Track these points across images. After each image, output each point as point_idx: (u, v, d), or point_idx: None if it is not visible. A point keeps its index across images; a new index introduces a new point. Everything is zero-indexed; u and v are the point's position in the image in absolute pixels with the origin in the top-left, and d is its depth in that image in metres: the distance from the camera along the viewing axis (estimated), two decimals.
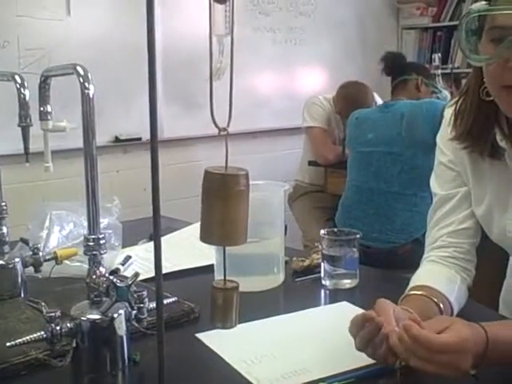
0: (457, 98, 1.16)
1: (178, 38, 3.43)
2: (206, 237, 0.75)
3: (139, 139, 3.44)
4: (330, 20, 4.29)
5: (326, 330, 1.16)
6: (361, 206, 2.71)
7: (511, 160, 1.10)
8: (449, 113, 1.20)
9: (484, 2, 1.00)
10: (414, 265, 1.27)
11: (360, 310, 1.19)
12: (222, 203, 0.72)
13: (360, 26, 4.48)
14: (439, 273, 1.18)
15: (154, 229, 0.78)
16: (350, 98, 3.29)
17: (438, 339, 0.89)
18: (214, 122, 0.72)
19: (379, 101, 3.57)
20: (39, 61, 3.03)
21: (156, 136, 0.79)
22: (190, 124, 3.55)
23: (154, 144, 0.79)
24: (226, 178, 0.72)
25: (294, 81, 4.18)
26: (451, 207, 1.21)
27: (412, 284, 1.15)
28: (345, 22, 4.36)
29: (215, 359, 1.05)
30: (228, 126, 0.74)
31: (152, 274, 1.23)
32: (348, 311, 1.22)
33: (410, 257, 2.38)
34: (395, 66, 2.86)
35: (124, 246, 1.60)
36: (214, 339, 1.10)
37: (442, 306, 1.08)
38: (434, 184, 1.26)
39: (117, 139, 3.37)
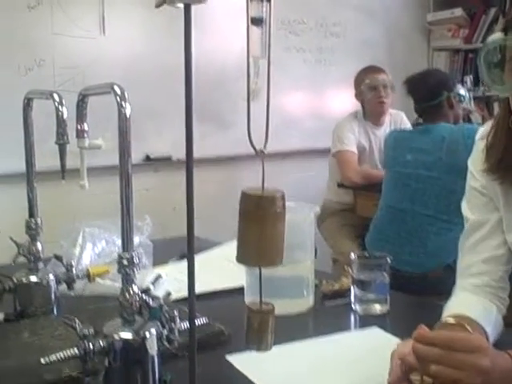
0: (488, 130, 1.16)
1: (209, 58, 3.46)
2: (242, 258, 0.76)
3: (169, 158, 3.48)
4: (359, 41, 4.30)
5: (356, 356, 1.15)
6: (393, 227, 2.68)
7: None
8: (480, 136, 1.19)
9: (500, 34, 1.01)
10: (444, 291, 1.26)
11: (391, 337, 1.19)
12: (258, 225, 0.73)
13: (390, 47, 4.48)
14: (475, 302, 1.16)
15: (188, 251, 0.79)
16: None
17: (457, 335, 0.91)
18: (252, 144, 0.73)
19: (406, 121, 3.57)
20: (73, 79, 3.09)
21: (191, 156, 0.80)
22: (220, 143, 3.57)
23: (189, 164, 0.79)
24: (263, 199, 0.73)
25: (323, 101, 4.19)
26: (484, 234, 1.20)
27: (447, 312, 1.14)
28: (374, 43, 4.37)
29: (245, 382, 1.05)
30: (265, 147, 0.74)
31: (182, 293, 1.25)
32: (379, 337, 1.21)
33: (440, 283, 2.34)
34: (422, 89, 2.79)
35: (154, 265, 1.61)
36: (244, 362, 1.10)
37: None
38: (465, 209, 1.25)
39: (148, 158, 3.40)
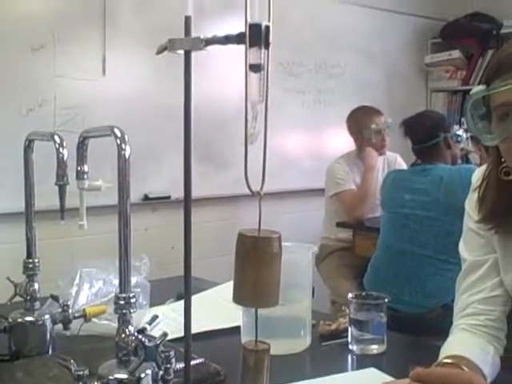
0: (480, 182, 1.18)
1: (209, 100, 3.49)
2: (238, 298, 0.76)
3: (168, 197, 3.49)
4: (358, 82, 4.35)
5: None
6: (392, 267, 2.68)
7: None
8: (476, 178, 1.21)
9: (482, 86, 1.05)
10: (442, 331, 1.25)
11: (387, 377, 1.18)
12: (255, 265, 0.74)
13: (388, 89, 4.54)
14: (472, 342, 1.16)
15: (185, 291, 0.79)
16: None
17: (452, 371, 0.94)
18: (248, 186, 0.74)
19: (401, 163, 3.59)
20: (74, 119, 3.12)
21: (190, 196, 0.81)
22: (219, 183, 3.59)
23: (187, 204, 0.81)
24: (260, 240, 0.74)
25: (322, 142, 4.22)
26: (481, 274, 1.20)
27: (443, 353, 1.13)
28: (373, 84, 4.43)
29: None
30: (261, 189, 0.76)
31: (178, 334, 1.24)
32: (375, 378, 1.21)
33: (438, 322, 2.33)
34: (419, 131, 2.81)
35: (151, 305, 1.61)
36: None
37: None
38: (462, 250, 1.26)
39: (146, 197, 3.41)
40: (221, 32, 0.76)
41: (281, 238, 0.77)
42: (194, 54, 0.80)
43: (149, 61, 3.37)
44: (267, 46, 0.73)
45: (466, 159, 3.99)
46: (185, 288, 0.82)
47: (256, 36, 0.72)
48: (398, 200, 2.73)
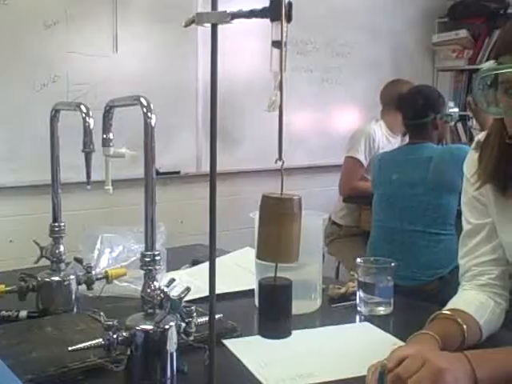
0: (481, 143, 1.24)
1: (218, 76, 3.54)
2: (261, 254, 0.83)
3: (178, 172, 3.57)
4: (365, 61, 4.39)
5: (340, 343, 1.26)
6: (385, 245, 2.76)
7: None
8: (474, 146, 1.27)
9: (492, 61, 1.10)
10: (441, 303, 1.29)
11: (381, 332, 1.27)
12: (278, 223, 0.81)
13: (395, 67, 4.57)
14: (472, 297, 1.24)
15: (210, 252, 0.86)
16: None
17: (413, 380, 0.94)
18: (280, 151, 0.81)
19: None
20: (86, 95, 3.18)
21: (215, 170, 0.86)
22: (228, 159, 3.66)
23: (213, 178, 0.86)
24: (282, 200, 0.81)
25: (329, 120, 4.27)
26: (481, 238, 1.28)
27: (445, 309, 1.21)
28: (380, 63, 4.46)
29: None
30: (280, 158, 0.82)
31: (194, 296, 1.32)
32: (367, 331, 1.33)
33: (436, 295, 2.41)
34: (410, 109, 2.86)
35: (167, 271, 1.68)
36: (237, 345, 1.23)
37: (465, 327, 1.14)
38: (465, 212, 1.33)
39: (157, 172, 3.46)
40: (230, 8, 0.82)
41: (301, 200, 0.84)
42: (204, 30, 0.85)
43: (160, 37, 3.42)
44: (289, 20, 0.80)
45: (470, 136, 4.07)
46: (210, 245, 0.87)
47: (279, 10, 0.78)
48: (386, 180, 2.80)
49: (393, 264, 1.44)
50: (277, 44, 0.81)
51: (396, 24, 4.59)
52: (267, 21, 0.81)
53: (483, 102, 1.12)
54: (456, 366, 0.96)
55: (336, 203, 3.67)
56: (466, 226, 1.32)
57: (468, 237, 1.31)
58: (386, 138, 3.58)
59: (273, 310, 0.86)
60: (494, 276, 1.26)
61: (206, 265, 0.88)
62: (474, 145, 1.28)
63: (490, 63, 1.11)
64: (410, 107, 2.82)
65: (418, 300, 2.30)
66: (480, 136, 1.27)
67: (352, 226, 3.57)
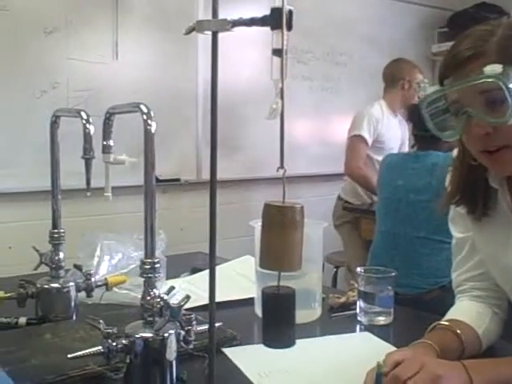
0: (451, 168, 1.24)
1: (219, 84, 3.55)
2: (264, 263, 0.83)
3: (178, 180, 3.57)
4: (365, 69, 4.40)
5: (340, 353, 1.25)
6: (388, 251, 2.74)
7: (504, 199, 1.15)
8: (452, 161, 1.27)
9: (437, 86, 1.11)
10: (441, 313, 1.29)
11: (381, 342, 1.26)
12: (280, 231, 0.80)
13: None
14: (469, 307, 1.24)
15: (210, 260, 0.85)
16: None
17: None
18: (282, 160, 0.81)
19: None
20: (86, 101, 3.18)
21: (215, 178, 0.86)
22: (228, 167, 3.66)
23: (213, 186, 0.86)
24: (285, 208, 0.81)
25: (329, 128, 4.28)
26: (466, 252, 1.28)
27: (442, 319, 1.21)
28: (380, 73, 4.46)
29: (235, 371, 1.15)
30: (281, 165, 0.82)
31: (194, 304, 1.32)
32: (369, 341, 1.31)
33: (437, 304, 2.37)
34: (421, 121, 2.85)
35: (167, 279, 1.68)
36: (237, 354, 1.21)
37: (463, 337, 1.13)
38: (450, 226, 1.34)
39: (157, 179, 3.46)
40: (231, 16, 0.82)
41: (303, 208, 0.83)
42: (203, 38, 0.85)
43: (160, 45, 3.43)
44: (289, 29, 0.80)
45: None
46: (210, 252, 0.87)
47: (280, 19, 0.78)
48: (392, 185, 2.79)
49: (393, 274, 1.43)
50: (277, 52, 0.81)
51: (396, 34, 4.60)
52: (268, 29, 0.81)
53: (435, 130, 1.13)
54: (453, 374, 0.96)
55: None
56: (453, 240, 1.32)
57: (455, 251, 1.31)
58: (386, 118, 3.63)
59: (277, 319, 0.86)
60: (485, 288, 1.26)
61: (206, 273, 0.87)
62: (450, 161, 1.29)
63: (435, 87, 1.11)
64: (419, 118, 2.82)
65: (418, 309, 2.30)
66: (455, 152, 1.27)
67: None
